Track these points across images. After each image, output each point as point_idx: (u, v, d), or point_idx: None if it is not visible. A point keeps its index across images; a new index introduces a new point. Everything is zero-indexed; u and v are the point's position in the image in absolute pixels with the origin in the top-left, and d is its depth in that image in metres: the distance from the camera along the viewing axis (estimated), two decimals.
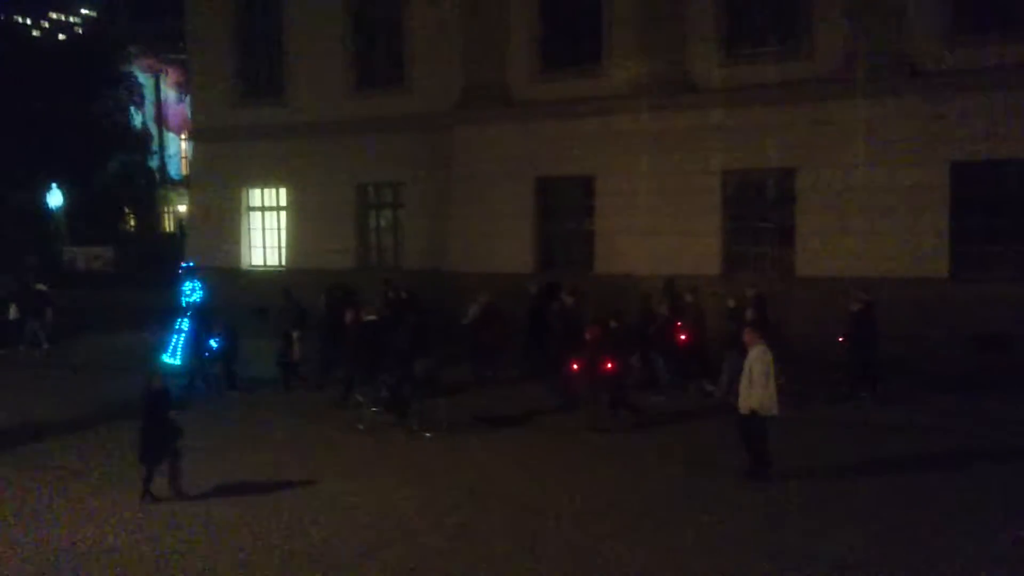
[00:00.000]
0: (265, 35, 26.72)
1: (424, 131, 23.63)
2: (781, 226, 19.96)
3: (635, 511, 10.07)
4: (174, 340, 17.78)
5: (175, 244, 35.95)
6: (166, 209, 56.72)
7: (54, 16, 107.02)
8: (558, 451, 12.67)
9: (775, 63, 19.59)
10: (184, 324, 17.58)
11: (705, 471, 11.36)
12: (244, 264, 27.29)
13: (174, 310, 18.00)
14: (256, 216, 27.54)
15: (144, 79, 53.20)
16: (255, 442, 13.32)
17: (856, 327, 15.17)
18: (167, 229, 55.32)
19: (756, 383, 10.62)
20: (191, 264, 19.55)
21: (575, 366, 14.20)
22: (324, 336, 17.41)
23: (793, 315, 18.39)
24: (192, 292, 17.63)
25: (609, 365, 13.51)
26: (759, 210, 20.41)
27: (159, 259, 34.56)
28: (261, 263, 27.33)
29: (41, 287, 23.57)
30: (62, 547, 9.32)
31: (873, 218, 18.64)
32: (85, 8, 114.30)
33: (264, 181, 27.08)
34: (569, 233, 22.55)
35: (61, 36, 79.90)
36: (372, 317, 16.38)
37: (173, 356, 17.70)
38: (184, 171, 52.98)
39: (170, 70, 53.66)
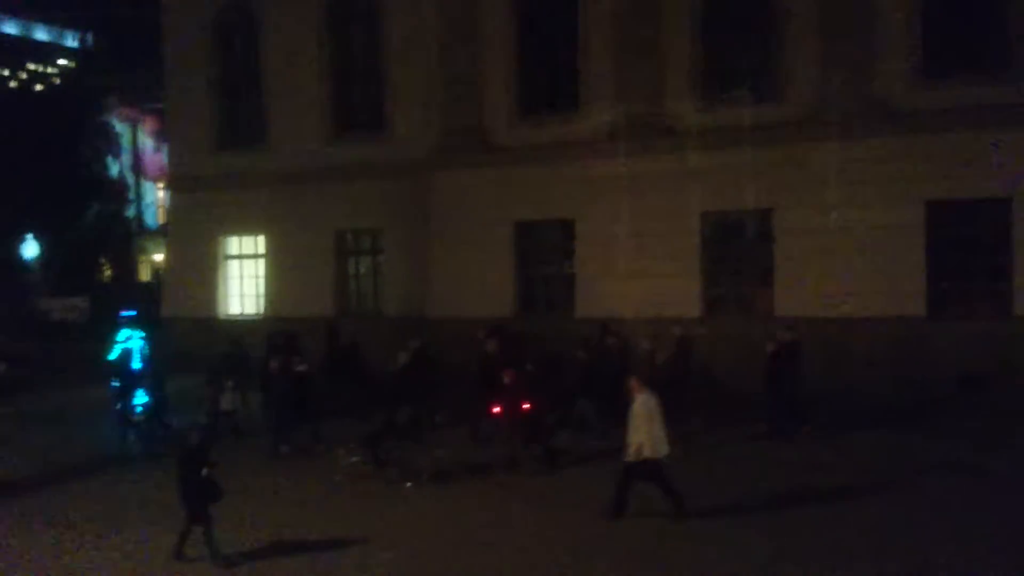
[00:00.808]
0: (243, 82, 26.78)
1: (403, 177, 23.66)
2: (760, 267, 20.05)
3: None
4: (115, 391, 17.24)
5: (152, 293, 35.57)
6: (143, 258, 56.31)
7: (31, 67, 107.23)
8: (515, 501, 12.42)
9: (750, 106, 19.82)
10: (120, 374, 17.09)
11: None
12: (222, 313, 27.02)
13: (114, 359, 17.56)
14: (234, 264, 27.35)
15: (121, 128, 53.17)
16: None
17: (773, 366, 15.30)
18: (144, 279, 54.86)
19: (640, 429, 10.94)
20: (131, 313, 19.31)
21: (495, 409, 14.33)
22: (261, 385, 17.19)
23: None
24: (128, 341, 17.20)
25: (525, 406, 13.68)
26: (738, 251, 20.53)
27: (136, 308, 34.16)
28: (239, 312, 27.07)
29: None
30: None
31: (850, 258, 18.77)
32: (63, 59, 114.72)
33: (242, 229, 26.93)
34: (549, 277, 22.55)
35: (39, 87, 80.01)
36: (302, 368, 16.10)
37: (124, 404, 17.04)
38: (161, 220, 52.71)
39: (147, 119, 53.64)
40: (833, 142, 18.99)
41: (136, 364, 16.99)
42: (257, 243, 26.87)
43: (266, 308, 26.36)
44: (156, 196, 55.32)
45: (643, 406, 11.04)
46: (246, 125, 26.71)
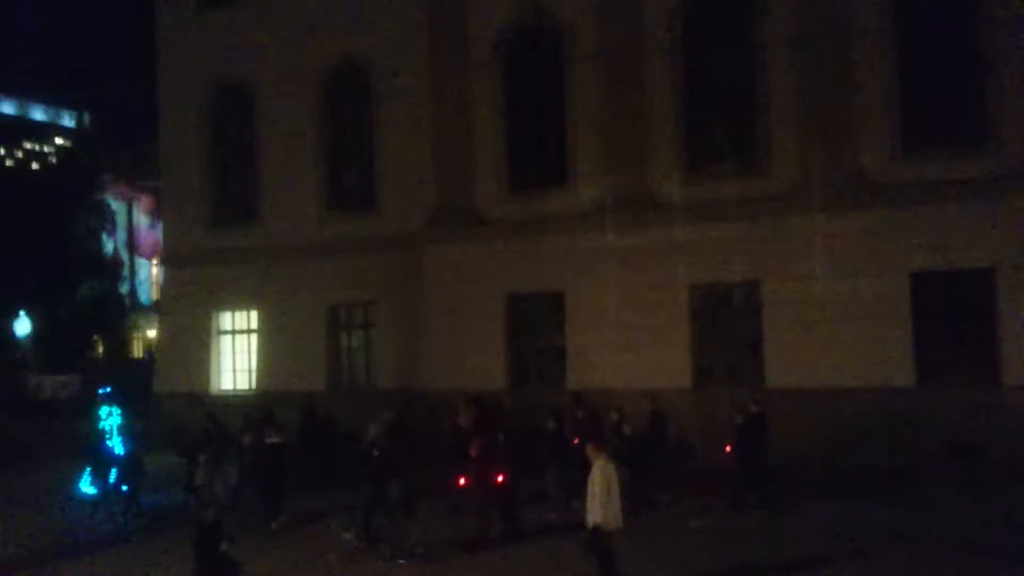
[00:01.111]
0: (237, 160, 27.24)
1: (394, 251, 23.94)
2: (749, 338, 20.22)
3: None
4: (88, 467, 17.19)
5: (144, 370, 35.48)
6: (135, 335, 56.31)
7: (28, 146, 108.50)
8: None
9: (735, 180, 20.29)
10: (96, 453, 17.06)
11: None
12: (214, 388, 26.96)
13: (92, 437, 17.51)
14: (227, 340, 27.41)
15: (117, 206, 53.79)
16: None
17: (741, 438, 15.44)
18: (136, 355, 54.74)
19: (598, 497, 10.50)
20: (108, 390, 19.36)
21: (460, 480, 14.29)
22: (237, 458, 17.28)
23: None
24: (108, 417, 17.14)
25: (499, 478, 13.72)
26: (727, 323, 20.71)
27: (128, 385, 34.03)
28: (231, 387, 27.02)
29: None
30: None
31: (837, 329, 18.96)
32: (59, 138, 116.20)
33: (235, 304, 27.08)
34: (541, 349, 22.65)
35: (35, 165, 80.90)
36: (275, 440, 16.15)
37: (88, 485, 17.13)
38: (154, 296, 52.91)
39: (143, 197, 54.35)
40: (818, 215, 19.37)
41: (115, 442, 16.91)
42: (250, 318, 26.99)
43: (258, 383, 26.33)
44: (150, 272, 55.64)
45: (600, 475, 10.63)
46: (240, 202, 27.08)
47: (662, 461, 16.46)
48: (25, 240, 41.65)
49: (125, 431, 17.19)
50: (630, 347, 20.67)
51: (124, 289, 53.89)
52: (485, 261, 22.67)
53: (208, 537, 10.04)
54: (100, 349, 51.49)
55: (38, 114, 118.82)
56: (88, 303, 47.03)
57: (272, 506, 15.51)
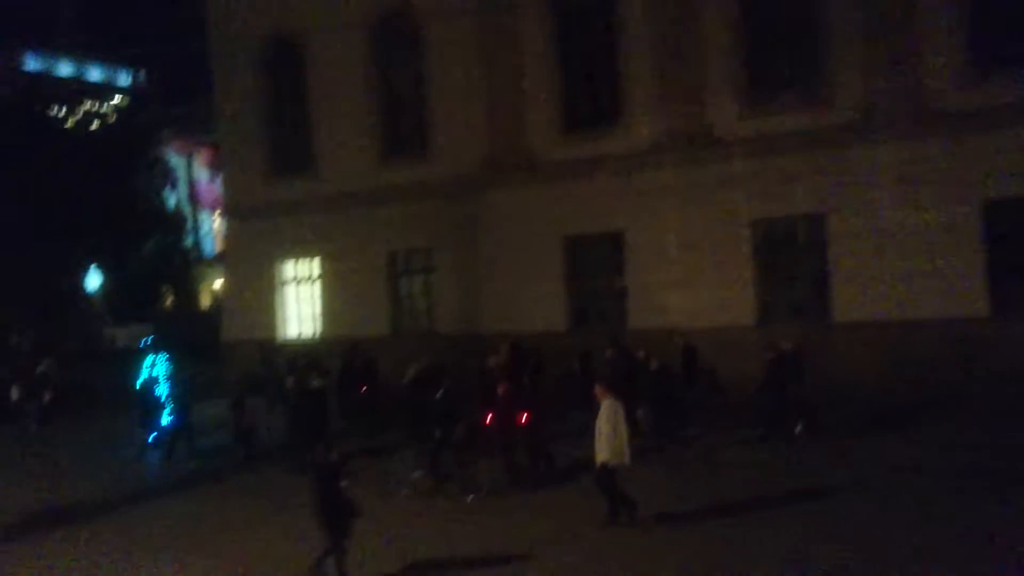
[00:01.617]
0: (293, 111, 27.37)
1: (451, 197, 23.96)
2: (815, 272, 19.88)
3: None
4: (147, 415, 18.07)
5: (212, 320, 36.40)
6: (202, 286, 57.68)
7: (87, 106, 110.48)
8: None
9: (796, 111, 19.76)
10: (149, 397, 17.95)
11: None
12: (280, 336, 27.54)
13: (141, 386, 18.40)
14: (290, 288, 27.90)
15: (177, 161, 54.72)
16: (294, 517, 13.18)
17: (772, 373, 15.58)
18: (204, 305, 56.13)
19: (604, 436, 11.01)
20: (151, 339, 19.94)
21: (487, 419, 14.48)
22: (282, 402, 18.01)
23: (833, 361, 18.27)
24: (154, 367, 17.96)
25: (523, 418, 13.91)
26: (790, 258, 20.36)
27: (197, 335, 34.98)
28: (296, 335, 27.58)
29: (42, 369, 24.10)
30: None
31: (907, 260, 18.54)
32: (118, 95, 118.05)
33: (296, 253, 27.48)
34: (600, 290, 22.60)
35: (95, 125, 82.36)
36: (317, 384, 16.56)
37: (148, 429, 18.03)
38: (218, 248, 53.98)
39: (201, 151, 55.17)
40: (883, 144, 18.83)
41: (161, 389, 17.74)
42: (312, 266, 27.38)
43: (322, 330, 26.81)
44: (212, 225, 56.71)
45: (607, 414, 11.11)
46: (296, 152, 27.28)
47: (694, 396, 16.71)
48: (91, 198, 42.64)
49: (171, 378, 17.96)
50: (691, 285, 20.52)
51: (188, 242, 55.09)
52: (541, 204, 22.58)
53: (328, 476, 10.00)
54: (169, 301, 52.89)
55: (95, 74, 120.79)
56: (154, 257, 48.20)
57: (304, 445, 15.62)
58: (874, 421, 16.43)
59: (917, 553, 9.84)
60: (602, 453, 11.07)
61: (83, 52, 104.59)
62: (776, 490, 12.58)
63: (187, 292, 55.11)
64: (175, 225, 52.05)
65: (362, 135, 25.71)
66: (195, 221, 56.63)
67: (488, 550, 10.90)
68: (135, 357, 33.06)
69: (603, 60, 22.25)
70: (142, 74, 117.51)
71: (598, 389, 11.59)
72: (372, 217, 25.26)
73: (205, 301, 56.99)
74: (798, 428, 15.38)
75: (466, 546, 11.15)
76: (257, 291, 27.92)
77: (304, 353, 21.48)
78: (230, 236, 30.57)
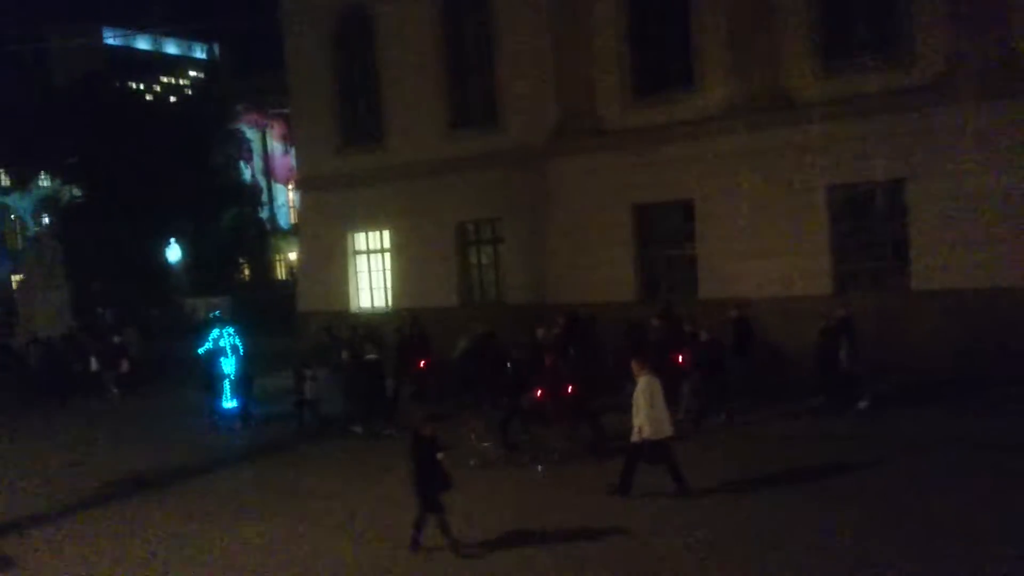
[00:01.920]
0: (362, 84, 27.60)
1: (519, 166, 23.88)
2: (893, 240, 19.29)
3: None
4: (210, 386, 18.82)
5: (288, 291, 37.20)
6: (278, 257, 58.91)
7: (164, 80, 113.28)
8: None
9: (875, 73, 19.03)
10: (222, 367, 18.65)
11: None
12: (353, 307, 27.99)
13: (205, 357, 19.19)
14: (362, 259, 28.28)
15: (251, 134, 55.68)
16: (369, 483, 13.47)
17: (825, 343, 15.77)
18: (279, 277, 57.37)
19: (642, 410, 11.27)
20: (218, 313, 22.26)
21: (538, 392, 14.65)
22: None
23: (911, 331, 17.78)
24: (221, 338, 18.71)
25: (569, 389, 14.13)
26: (868, 225, 19.76)
27: (273, 306, 35.80)
28: (369, 305, 27.98)
29: (117, 339, 25.07)
30: None
31: (990, 227, 17.79)
32: (192, 70, 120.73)
33: (368, 225, 27.81)
34: (671, 259, 22.32)
35: (172, 99, 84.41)
36: (372, 356, 17.01)
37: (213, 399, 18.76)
38: (292, 220, 54.98)
39: (275, 124, 56.00)
40: (967, 106, 17.99)
41: (226, 361, 18.50)
42: (383, 238, 27.69)
43: (393, 301, 27.15)
44: (287, 197, 57.75)
45: (644, 389, 11.34)
46: (367, 124, 27.52)
47: (747, 368, 16.80)
48: (170, 172, 43.73)
49: (236, 350, 18.70)
50: (765, 254, 20.08)
51: (264, 214, 56.21)
52: (610, 172, 22.34)
53: (425, 447, 10.07)
54: (246, 272, 54.17)
55: (171, 48, 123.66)
56: (231, 230, 49.31)
57: (378, 416, 16.58)
58: (947, 392, 16.11)
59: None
60: (642, 428, 11.32)
61: (160, 27, 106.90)
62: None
63: (263, 264, 56.36)
64: (251, 198, 53.10)
65: (430, 106, 25.77)
66: (270, 194, 57.71)
67: (570, 520, 10.97)
68: (204, 329, 34.30)
69: (674, 23, 21.73)
70: (216, 48, 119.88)
71: (635, 364, 11.76)
72: (440, 188, 25.35)
73: (280, 273, 58.27)
74: (863, 403, 15.48)
75: (541, 515, 11.23)
76: (330, 262, 28.39)
77: (364, 324, 22.03)
78: (303, 208, 31.08)
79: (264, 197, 56.55)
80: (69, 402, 22.98)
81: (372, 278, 28.08)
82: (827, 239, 19.75)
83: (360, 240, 28.25)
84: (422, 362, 19.43)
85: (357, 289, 28.25)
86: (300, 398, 17.72)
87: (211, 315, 20.56)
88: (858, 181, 19.51)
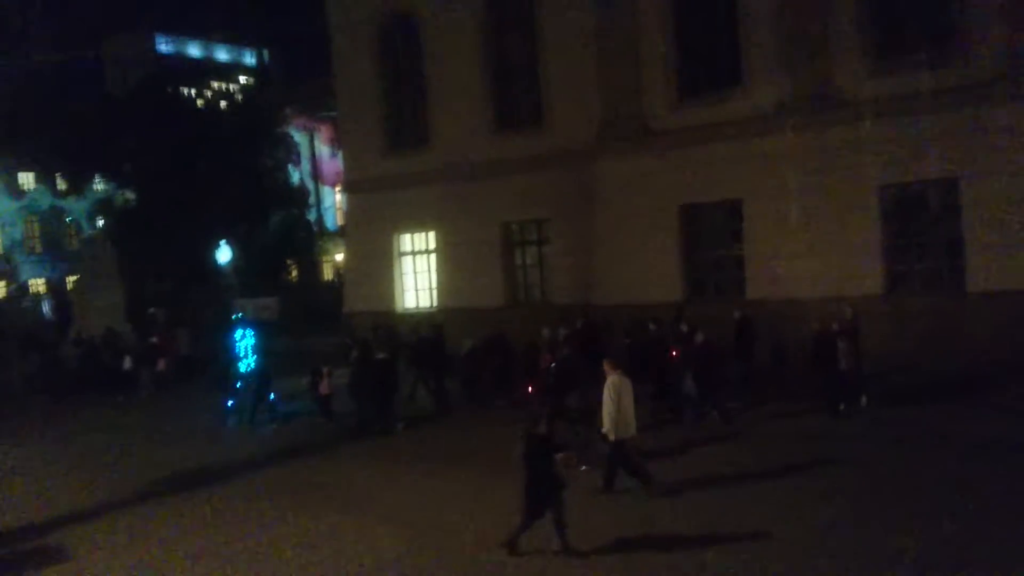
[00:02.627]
0: (409, 86, 27.82)
1: (565, 167, 23.85)
2: (947, 240, 18.89)
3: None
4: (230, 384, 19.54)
5: (335, 292, 37.58)
6: (325, 259, 59.55)
7: (215, 85, 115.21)
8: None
9: (929, 70, 18.65)
10: (233, 368, 19.39)
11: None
12: (399, 307, 28.19)
13: (227, 357, 19.87)
14: (408, 260, 28.47)
15: (299, 137, 56.40)
16: (420, 488, 13.52)
17: (817, 347, 15.69)
18: (326, 278, 57.97)
19: (608, 410, 11.46)
20: (240, 315, 23.91)
21: (530, 388, 15.67)
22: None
23: (965, 333, 17.40)
24: (243, 338, 19.44)
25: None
26: (921, 225, 19.38)
27: (320, 307, 36.19)
28: (415, 305, 28.15)
29: (155, 340, 25.78)
30: None
31: None
32: (242, 76, 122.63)
33: (414, 226, 27.99)
34: (717, 260, 22.13)
35: (223, 104, 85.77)
36: (382, 355, 17.57)
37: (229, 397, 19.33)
38: (340, 222, 55.55)
39: (322, 127, 56.70)
40: (1023, 103, 17.58)
41: (249, 360, 19.20)
42: (428, 239, 27.84)
43: (439, 301, 27.27)
44: (334, 199, 58.41)
45: (609, 387, 11.52)
46: (413, 127, 27.73)
47: (746, 369, 17.03)
48: (219, 175, 44.43)
49: (257, 351, 19.40)
50: (814, 254, 19.81)
51: (312, 216, 56.87)
52: (657, 172, 22.21)
53: (538, 448, 9.63)
54: (294, 273, 54.82)
55: (222, 54, 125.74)
56: (280, 231, 49.95)
57: (389, 414, 17.07)
58: (997, 393, 15.69)
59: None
60: (606, 426, 11.55)
61: (211, 33, 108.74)
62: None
63: (310, 265, 56.98)
64: (299, 201, 53.72)
65: (476, 107, 25.88)
66: (317, 196, 58.39)
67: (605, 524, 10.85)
68: (265, 329, 34.74)
69: (722, 21, 21.60)
70: (266, 54, 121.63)
71: (606, 364, 11.92)
72: (486, 189, 25.43)
73: (327, 274, 58.89)
74: (864, 400, 15.54)
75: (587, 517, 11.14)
76: (376, 263, 28.62)
77: (384, 325, 22.69)
78: (350, 210, 31.40)
79: (312, 199, 57.21)
80: (99, 399, 23.44)
81: (418, 279, 28.25)
82: (878, 239, 19.42)
83: (406, 241, 28.44)
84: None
85: (403, 290, 28.44)
86: (317, 395, 18.46)
87: (234, 317, 21.31)
88: (911, 180, 19.16)
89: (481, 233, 25.79)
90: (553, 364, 15.45)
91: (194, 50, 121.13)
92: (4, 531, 12.14)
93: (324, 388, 18.36)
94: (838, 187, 19.60)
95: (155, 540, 11.45)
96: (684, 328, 16.89)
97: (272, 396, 18.89)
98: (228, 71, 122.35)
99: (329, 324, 30.20)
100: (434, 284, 27.65)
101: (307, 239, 54.63)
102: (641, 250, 22.36)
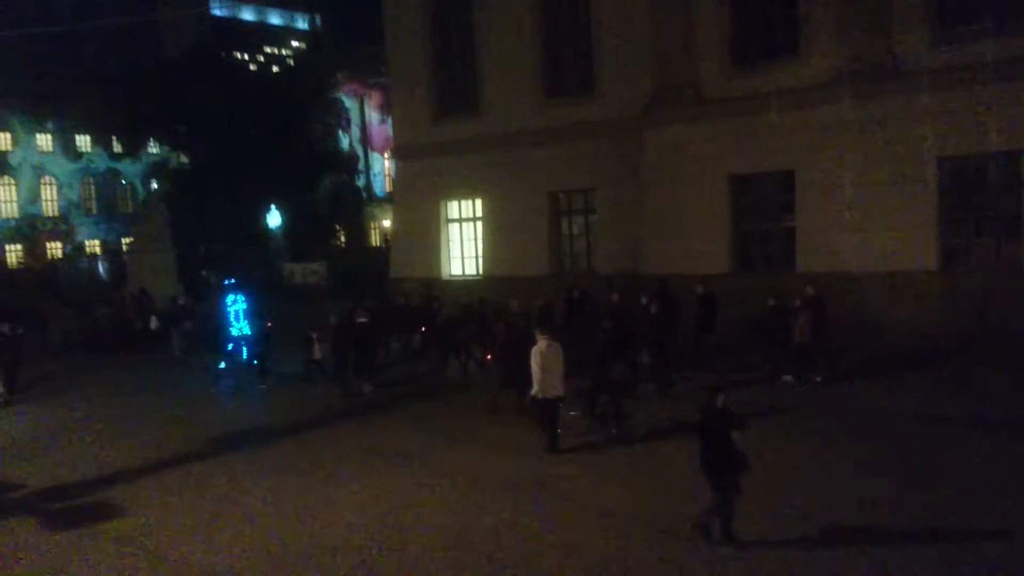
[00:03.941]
0: (459, 54, 27.71)
1: (614, 136, 23.61)
2: (1006, 215, 18.36)
3: None
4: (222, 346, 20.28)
5: (382, 258, 37.84)
6: (372, 225, 60.00)
7: (268, 50, 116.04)
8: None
9: (991, 39, 18.02)
10: (226, 331, 20.08)
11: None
12: (444, 274, 28.32)
13: (221, 320, 20.42)
14: (454, 227, 28.53)
15: (350, 103, 56.61)
16: (465, 450, 13.67)
17: (771, 321, 16.42)
18: (374, 243, 58.44)
19: (535, 373, 12.55)
20: (234, 280, 23.88)
21: (488, 356, 16.86)
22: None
23: (1021, 311, 16.94)
24: (234, 303, 20.09)
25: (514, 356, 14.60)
26: (980, 199, 18.85)
27: (367, 272, 36.49)
28: (460, 272, 28.25)
29: (183, 301, 26.62)
30: None
31: None
32: (295, 41, 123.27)
33: (461, 193, 28.01)
34: (767, 231, 21.80)
35: (275, 68, 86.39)
36: (363, 319, 18.11)
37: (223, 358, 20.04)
38: (388, 188, 55.83)
39: (373, 93, 56.83)
40: None
41: (241, 324, 19.93)
42: (475, 206, 27.85)
43: (484, 269, 27.33)
44: (383, 166, 58.67)
45: (536, 352, 12.59)
46: (462, 94, 27.63)
47: (705, 342, 18.01)
48: (270, 139, 44.84)
49: (250, 314, 20.07)
50: (867, 227, 19.39)
51: (361, 182, 57.23)
52: (707, 141, 21.88)
53: (716, 423, 8.97)
54: (342, 239, 55.34)
55: (275, 19, 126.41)
56: (329, 197, 50.38)
57: (363, 375, 17.92)
58: None
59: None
60: (534, 387, 12.62)
61: None
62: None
63: (358, 231, 57.45)
64: (348, 166, 54.07)
65: (526, 75, 25.69)
66: (367, 162, 58.69)
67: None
68: (312, 292, 35.14)
69: None
70: (318, 19, 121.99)
71: (538, 332, 12.99)
72: (534, 157, 25.31)
73: (375, 239, 59.34)
74: (818, 377, 15.97)
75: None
76: (423, 230, 28.73)
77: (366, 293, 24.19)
78: (398, 176, 31.50)
79: (361, 165, 57.56)
80: (127, 358, 24.17)
81: (464, 246, 28.32)
82: (934, 213, 18.95)
83: (453, 208, 28.49)
84: (422, 328, 20.92)
85: (449, 257, 28.55)
86: (309, 358, 19.30)
87: (227, 282, 22.17)
88: (970, 152, 18.61)
89: (528, 201, 25.71)
90: (601, 333, 15.44)
91: (248, 14, 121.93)
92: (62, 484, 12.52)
93: (316, 352, 19.16)
94: (894, 159, 19.13)
95: (208, 497, 11.72)
96: (644, 300, 17.24)
97: (256, 360, 19.54)
98: (281, 36, 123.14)
99: (377, 290, 30.45)
100: (480, 252, 27.69)
101: (356, 205, 55.06)
102: (689, 220, 22.11)
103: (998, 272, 18.16)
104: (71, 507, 11.59)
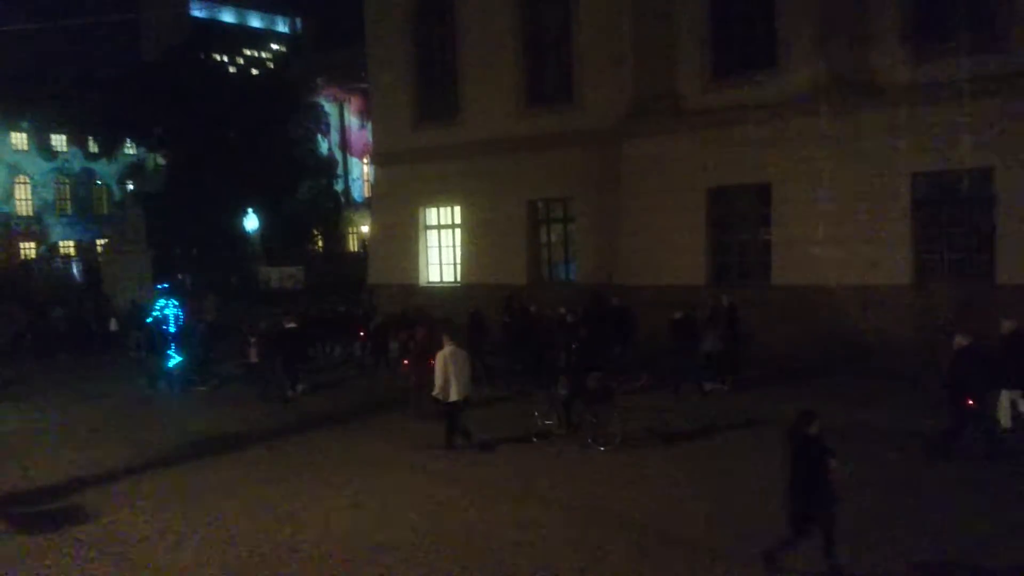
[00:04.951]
0: (440, 61, 27.71)
1: (593, 146, 23.69)
2: (979, 230, 18.60)
3: None
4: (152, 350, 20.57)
5: (360, 263, 37.74)
6: (351, 230, 59.81)
7: (248, 52, 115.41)
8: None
9: (967, 57, 18.27)
10: (153, 336, 20.52)
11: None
12: (422, 281, 28.25)
13: (155, 325, 20.87)
14: (432, 234, 28.49)
15: (329, 108, 56.45)
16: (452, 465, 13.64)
17: (676, 332, 17.20)
18: (352, 249, 58.27)
19: (439, 377, 13.22)
20: (166, 286, 25.55)
21: (405, 361, 17.21)
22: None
23: (994, 325, 17.11)
24: (164, 308, 20.82)
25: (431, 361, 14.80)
26: (953, 214, 19.09)
27: (344, 277, 36.40)
28: (438, 279, 28.20)
29: (142, 303, 26.84)
30: None
31: None
32: (275, 44, 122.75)
33: (440, 200, 27.97)
34: (744, 244, 21.93)
35: (254, 71, 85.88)
36: (292, 325, 18.85)
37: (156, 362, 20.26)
38: (366, 194, 55.72)
39: (352, 98, 56.75)
40: None
41: (171, 327, 20.47)
42: (454, 213, 27.82)
43: (462, 276, 27.29)
44: (362, 171, 58.54)
45: (439, 358, 13.29)
46: (442, 101, 27.63)
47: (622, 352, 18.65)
48: (249, 143, 44.60)
49: (179, 319, 20.81)
50: (842, 241, 19.58)
51: (339, 187, 57.05)
52: (686, 153, 22.01)
53: (814, 452, 8.19)
54: (320, 244, 55.12)
55: (255, 21, 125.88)
56: (307, 201, 50.16)
57: (291, 379, 18.41)
58: None
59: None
60: (436, 390, 13.26)
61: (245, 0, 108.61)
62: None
63: (336, 236, 57.24)
64: (327, 171, 53.88)
65: (506, 83, 25.74)
66: (345, 167, 58.53)
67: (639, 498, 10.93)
68: (288, 296, 34.89)
69: (759, 1, 21.26)
70: (299, 21, 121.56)
71: (444, 338, 13.61)
72: (513, 165, 25.34)
73: (353, 245, 59.17)
74: (709, 385, 16.65)
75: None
76: (401, 236, 28.66)
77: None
78: (377, 182, 31.44)
79: (340, 170, 57.37)
80: (85, 360, 24.35)
81: (442, 253, 28.28)
82: (909, 227, 19.17)
83: (431, 215, 28.45)
84: (361, 333, 22.21)
85: (427, 263, 28.49)
86: (245, 362, 19.71)
87: (159, 287, 22.69)
88: (944, 168, 18.85)
89: (507, 209, 25.73)
90: (575, 346, 15.43)
91: (228, 16, 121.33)
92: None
93: (252, 356, 19.40)
94: (869, 174, 19.33)
95: (178, 502, 11.58)
96: (562, 310, 18.46)
97: (185, 362, 19.78)
98: (261, 38, 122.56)
99: (354, 295, 30.34)
100: (458, 259, 27.66)
101: (334, 210, 54.86)
102: (667, 231, 22.21)
103: (970, 287, 18.36)
104: (37, 512, 11.40)
